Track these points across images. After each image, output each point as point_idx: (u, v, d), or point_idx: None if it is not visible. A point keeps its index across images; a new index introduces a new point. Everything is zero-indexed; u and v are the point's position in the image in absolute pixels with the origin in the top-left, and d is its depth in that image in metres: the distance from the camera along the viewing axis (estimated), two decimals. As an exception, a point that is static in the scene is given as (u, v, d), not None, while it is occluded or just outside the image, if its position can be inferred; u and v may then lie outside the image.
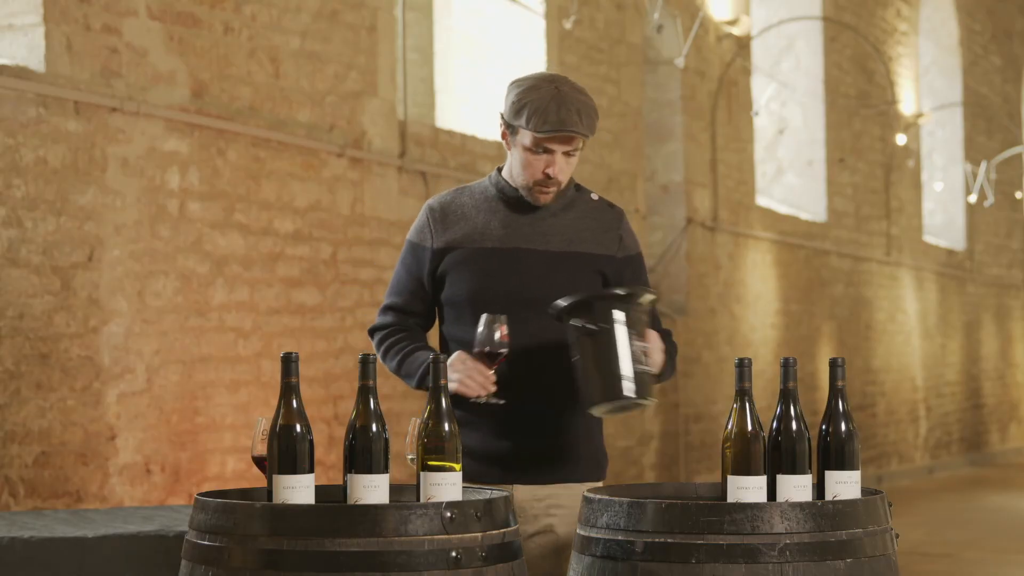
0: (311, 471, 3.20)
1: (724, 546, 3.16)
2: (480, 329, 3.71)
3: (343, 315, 7.81)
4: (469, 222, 3.91)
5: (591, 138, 3.89)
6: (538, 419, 3.86)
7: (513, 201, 3.92)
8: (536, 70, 9.75)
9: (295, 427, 3.20)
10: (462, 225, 3.91)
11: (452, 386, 3.74)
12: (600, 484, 3.91)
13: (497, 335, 3.69)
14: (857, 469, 3.39)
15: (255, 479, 6.63)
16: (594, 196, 3.99)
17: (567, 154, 3.84)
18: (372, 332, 4.02)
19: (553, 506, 3.85)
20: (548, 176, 3.84)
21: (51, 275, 6.19)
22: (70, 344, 6.25)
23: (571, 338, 3.71)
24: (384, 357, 3.96)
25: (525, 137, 3.83)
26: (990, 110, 18.77)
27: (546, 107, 3.77)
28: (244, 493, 3.38)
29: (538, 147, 3.82)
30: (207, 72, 6.97)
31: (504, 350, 3.70)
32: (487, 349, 3.71)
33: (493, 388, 3.75)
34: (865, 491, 3.41)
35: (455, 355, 3.79)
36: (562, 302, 3.69)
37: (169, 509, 5.02)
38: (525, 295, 3.85)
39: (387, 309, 4.00)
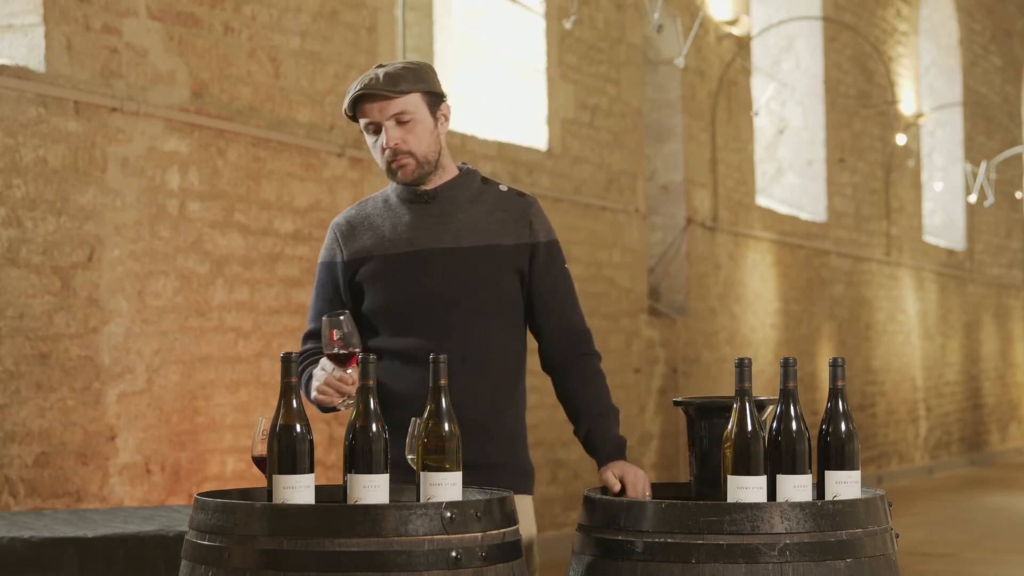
0: (311, 471, 3.20)
1: (724, 546, 3.16)
2: (322, 332, 3.55)
3: (343, 315, 7.80)
4: (376, 231, 3.79)
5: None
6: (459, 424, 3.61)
7: (412, 200, 3.80)
8: (536, 70, 9.83)
9: (295, 427, 3.20)
10: (370, 235, 3.79)
11: (313, 395, 3.64)
12: (528, 497, 3.76)
13: (329, 335, 3.52)
14: (857, 469, 3.39)
15: (255, 479, 6.63)
16: (503, 187, 3.85)
17: (398, 122, 3.70)
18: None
19: None
20: (390, 151, 3.71)
21: (51, 275, 6.19)
22: (70, 344, 6.25)
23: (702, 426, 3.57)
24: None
25: (358, 123, 3.76)
26: (990, 110, 18.76)
27: (354, 84, 3.71)
28: (244, 493, 3.38)
29: (367, 128, 3.73)
30: (207, 72, 6.97)
31: (345, 350, 3.52)
32: (332, 351, 3.53)
33: (349, 391, 3.56)
34: (865, 491, 3.40)
35: (322, 360, 3.63)
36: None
37: (169, 509, 5.02)
38: (442, 297, 3.73)
39: (306, 338, 3.86)
